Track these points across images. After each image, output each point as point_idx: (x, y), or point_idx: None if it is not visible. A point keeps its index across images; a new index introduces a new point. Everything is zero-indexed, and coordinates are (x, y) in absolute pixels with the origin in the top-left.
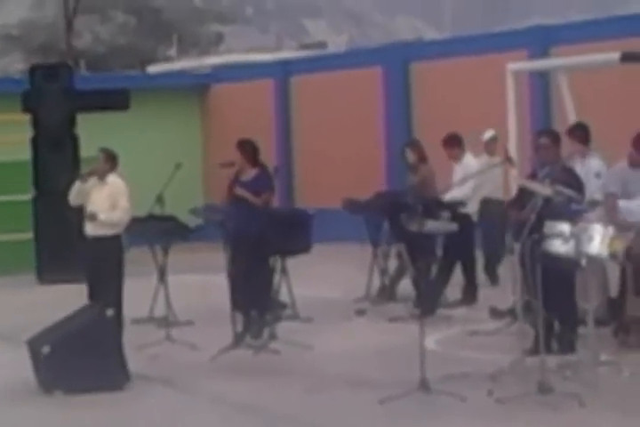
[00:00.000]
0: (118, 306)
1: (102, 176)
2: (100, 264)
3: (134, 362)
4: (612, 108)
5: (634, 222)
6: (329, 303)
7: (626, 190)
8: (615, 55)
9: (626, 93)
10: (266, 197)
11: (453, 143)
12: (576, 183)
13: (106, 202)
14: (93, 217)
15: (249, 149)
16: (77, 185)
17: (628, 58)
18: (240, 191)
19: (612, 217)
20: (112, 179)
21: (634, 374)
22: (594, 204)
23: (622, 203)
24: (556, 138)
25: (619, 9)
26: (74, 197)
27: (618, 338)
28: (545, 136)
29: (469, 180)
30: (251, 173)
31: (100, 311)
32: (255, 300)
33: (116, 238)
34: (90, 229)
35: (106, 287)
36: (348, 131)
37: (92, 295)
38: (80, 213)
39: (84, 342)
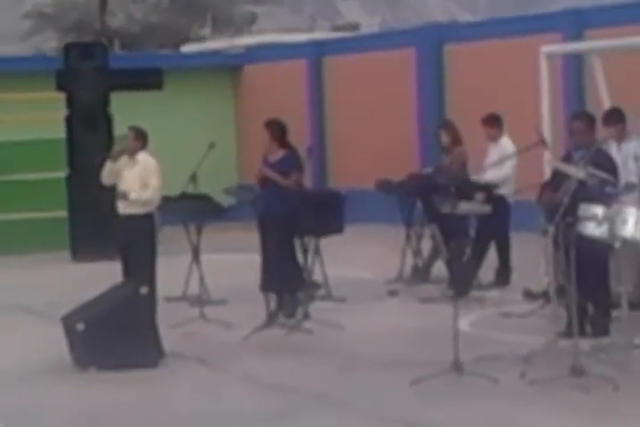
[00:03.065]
0: (151, 284)
1: (132, 154)
2: (132, 242)
3: (168, 340)
4: None
5: None
6: (362, 284)
7: None
8: None
9: None
10: (295, 178)
11: (493, 123)
12: (610, 166)
13: (137, 181)
14: (125, 196)
15: (277, 130)
16: (109, 164)
17: None
18: (266, 172)
19: None
20: (143, 157)
21: None
22: (631, 187)
23: None
24: (589, 121)
25: None
26: (106, 177)
27: None
28: (579, 120)
29: (506, 161)
30: (278, 154)
31: (134, 289)
32: (286, 280)
33: (148, 217)
34: (122, 208)
35: (139, 265)
36: (381, 112)
37: (126, 273)
38: (113, 192)
39: (118, 319)
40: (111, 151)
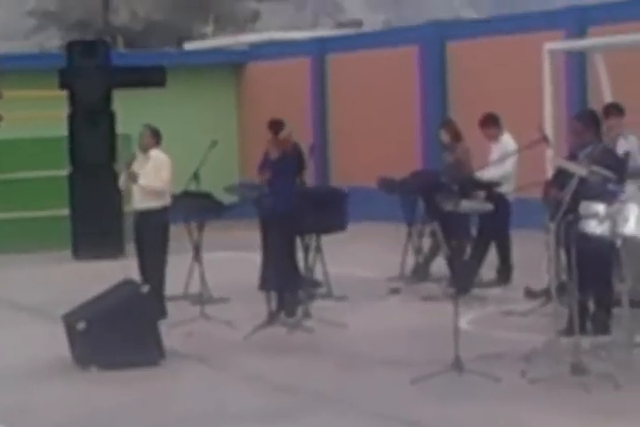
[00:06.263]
0: (160, 281)
1: (146, 150)
2: (145, 237)
3: (169, 339)
4: None
5: None
6: (363, 282)
7: None
8: None
9: None
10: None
11: (490, 123)
12: (615, 164)
13: (150, 174)
14: (134, 178)
15: (280, 130)
16: (124, 170)
17: None
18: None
19: None
20: (155, 153)
21: None
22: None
23: None
24: (589, 121)
25: None
26: (123, 182)
27: None
28: (577, 120)
29: (507, 159)
30: (279, 153)
31: (135, 288)
32: (286, 278)
33: (161, 212)
34: (137, 202)
35: (151, 261)
36: (383, 110)
37: (141, 269)
38: (118, 191)
39: (119, 318)
40: (126, 162)
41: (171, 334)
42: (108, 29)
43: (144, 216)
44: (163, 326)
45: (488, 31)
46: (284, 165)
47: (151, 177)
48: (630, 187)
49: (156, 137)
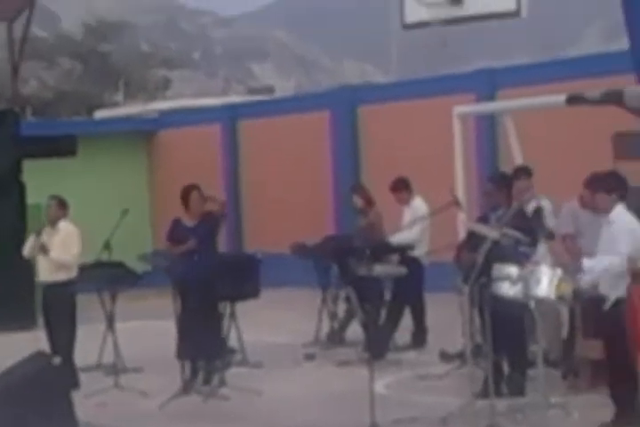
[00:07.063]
0: (70, 352)
1: (54, 223)
2: (53, 310)
3: (82, 410)
4: (559, 149)
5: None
6: (278, 348)
7: (577, 231)
8: (561, 97)
9: (572, 135)
10: (190, 246)
11: (401, 187)
12: (527, 226)
13: (59, 246)
14: (44, 249)
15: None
16: (31, 239)
17: (573, 100)
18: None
19: (566, 258)
20: (63, 224)
21: (582, 416)
22: (551, 235)
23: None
24: (500, 184)
25: (563, 52)
26: (28, 251)
27: (567, 380)
28: (490, 182)
29: (419, 223)
30: (196, 220)
31: (46, 359)
32: (205, 346)
33: (68, 284)
34: (44, 274)
35: (60, 333)
36: (296, 175)
37: (50, 341)
38: (30, 262)
39: (30, 390)
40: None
41: (84, 405)
42: (17, 99)
43: (51, 289)
44: (76, 397)
45: (398, 95)
46: (204, 231)
47: (60, 250)
48: (541, 248)
49: (63, 208)
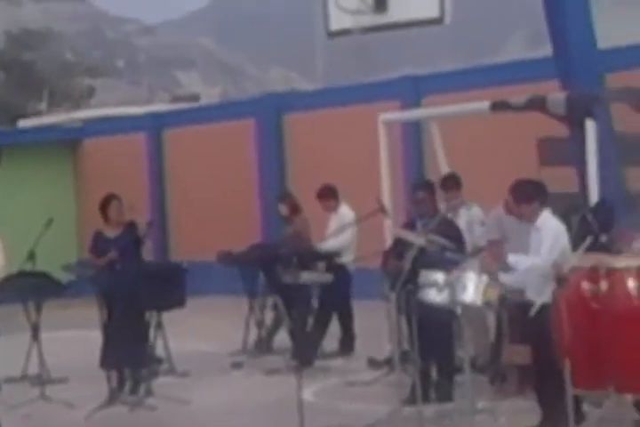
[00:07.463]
0: None
1: None
2: None
3: (8, 422)
4: (484, 156)
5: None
6: (205, 357)
7: (503, 237)
8: (485, 104)
9: (497, 141)
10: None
11: (328, 195)
12: (454, 234)
13: None
14: None
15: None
16: None
17: (497, 106)
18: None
19: (493, 264)
20: None
21: (509, 421)
22: (478, 251)
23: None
24: (431, 190)
25: (487, 58)
26: None
27: (494, 385)
28: (421, 190)
29: (346, 230)
30: (117, 230)
31: None
32: (131, 355)
33: None
34: None
35: None
36: (222, 183)
37: None
38: None
39: None
40: None
41: (10, 416)
42: None
43: None
44: (1, 409)
45: (324, 103)
46: (125, 241)
47: None
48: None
49: None
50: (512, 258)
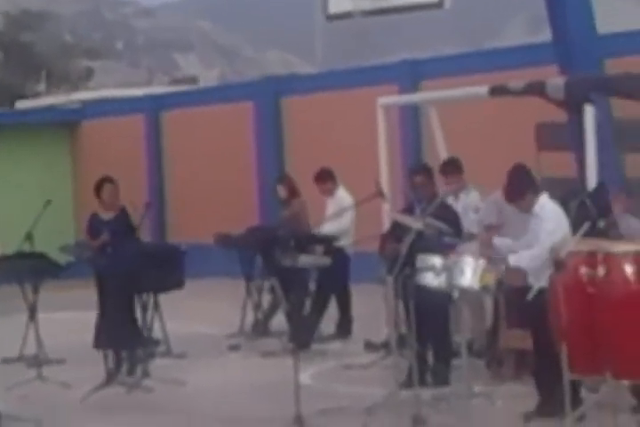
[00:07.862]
0: None
1: None
2: None
3: (4, 402)
4: (483, 140)
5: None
6: (202, 339)
7: (502, 222)
8: (484, 88)
9: (495, 126)
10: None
11: (325, 178)
12: (452, 217)
13: None
14: None
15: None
16: None
17: (496, 91)
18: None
19: (486, 249)
20: None
21: (506, 406)
22: (471, 237)
23: (496, 240)
24: (429, 174)
25: (487, 43)
26: None
27: (491, 369)
28: (419, 174)
29: (345, 213)
30: (111, 213)
31: None
32: (127, 337)
33: None
34: None
35: None
36: (220, 166)
37: None
38: None
39: None
40: None
41: (6, 397)
42: None
43: None
44: None
45: (322, 86)
46: (119, 224)
47: None
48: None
49: None
50: (497, 240)
